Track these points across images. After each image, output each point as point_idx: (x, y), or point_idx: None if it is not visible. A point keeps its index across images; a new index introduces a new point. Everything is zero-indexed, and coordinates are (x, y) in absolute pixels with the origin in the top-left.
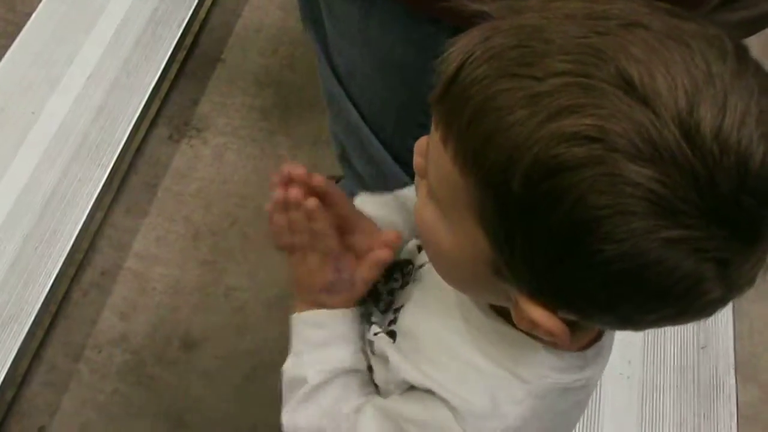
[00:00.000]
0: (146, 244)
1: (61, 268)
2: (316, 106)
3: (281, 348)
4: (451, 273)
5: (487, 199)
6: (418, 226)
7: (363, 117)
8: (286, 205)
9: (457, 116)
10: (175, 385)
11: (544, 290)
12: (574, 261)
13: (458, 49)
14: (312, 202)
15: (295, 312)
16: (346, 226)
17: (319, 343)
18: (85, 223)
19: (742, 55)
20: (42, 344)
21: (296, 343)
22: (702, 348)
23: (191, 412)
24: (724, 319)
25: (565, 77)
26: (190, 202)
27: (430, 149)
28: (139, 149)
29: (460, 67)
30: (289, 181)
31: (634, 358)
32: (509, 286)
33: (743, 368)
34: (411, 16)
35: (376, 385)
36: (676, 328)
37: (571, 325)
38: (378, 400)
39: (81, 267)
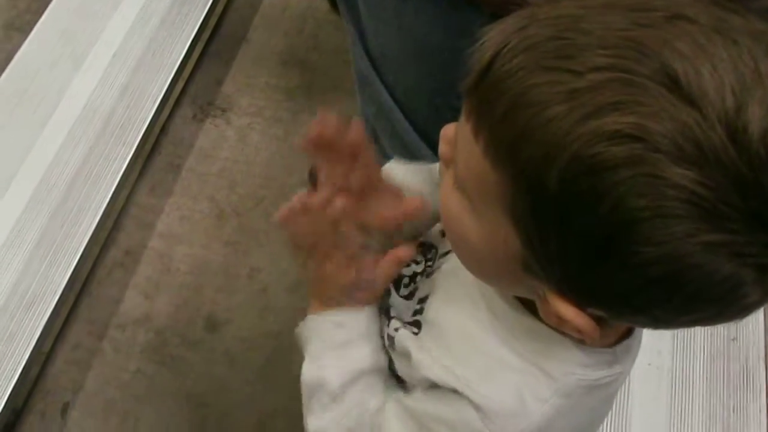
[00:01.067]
0: (170, 224)
1: (86, 247)
2: (341, 87)
3: None
4: (477, 265)
5: (519, 195)
6: (443, 215)
7: (395, 100)
8: (304, 212)
9: (490, 108)
10: (197, 365)
11: (576, 289)
12: (611, 263)
13: (493, 37)
14: (339, 204)
15: (310, 313)
16: (370, 188)
17: (340, 343)
18: (109, 202)
19: None
20: (66, 323)
21: (314, 344)
22: (732, 340)
23: (213, 393)
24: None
25: (605, 72)
26: (214, 182)
27: (459, 139)
28: (163, 129)
29: (495, 57)
30: (322, 139)
31: (664, 348)
32: (538, 282)
33: None
34: (447, 0)
35: (398, 378)
36: None
37: (600, 321)
38: (401, 398)
39: (105, 246)
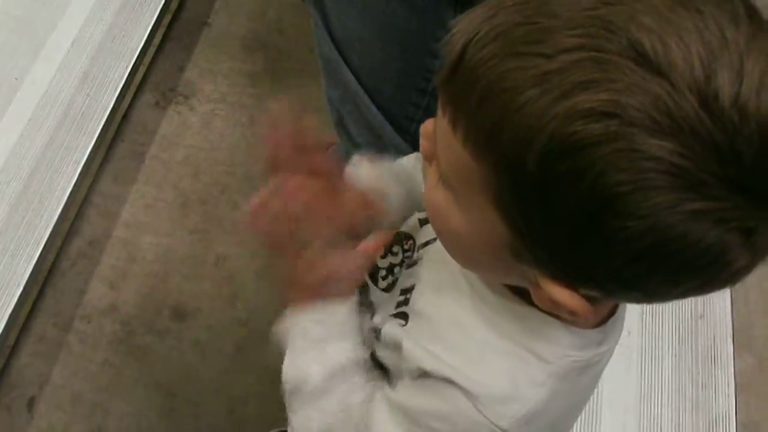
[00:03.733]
0: (134, 213)
1: (48, 238)
2: (306, 71)
3: (272, 317)
4: (467, 257)
5: (502, 182)
6: (428, 211)
7: (361, 83)
8: (277, 198)
9: (465, 99)
10: (166, 355)
11: (566, 270)
12: (597, 240)
13: (462, 28)
14: (300, 201)
15: (288, 312)
16: (330, 193)
17: (320, 339)
18: (72, 191)
19: (754, 16)
20: (30, 315)
21: (294, 342)
22: (699, 317)
23: (182, 382)
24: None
25: (575, 53)
26: (178, 170)
27: (438, 133)
28: (125, 116)
29: (466, 48)
30: (277, 138)
31: (633, 328)
32: (529, 268)
33: (739, 337)
34: None
35: (382, 367)
36: None
37: (592, 301)
38: (390, 394)
39: (69, 236)
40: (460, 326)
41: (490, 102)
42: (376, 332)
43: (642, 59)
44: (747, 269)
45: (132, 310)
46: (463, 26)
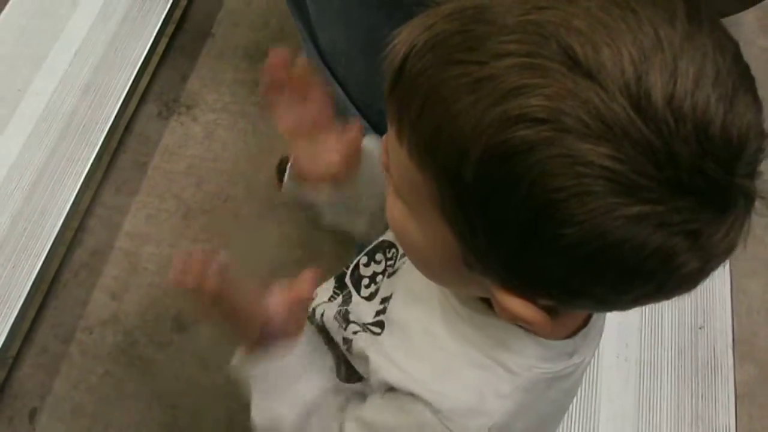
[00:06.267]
0: (137, 223)
1: (50, 249)
2: None
3: None
4: (428, 268)
5: (444, 192)
6: (390, 223)
7: (349, 96)
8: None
9: (407, 109)
10: (167, 366)
11: (516, 280)
12: (538, 248)
13: (402, 40)
14: (219, 262)
15: (242, 356)
16: (321, 127)
17: (285, 383)
18: (74, 202)
19: (695, 14)
20: (32, 326)
21: (257, 386)
22: (699, 328)
23: (183, 393)
24: (721, 298)
25: (507, 59)
26: (180, 180)
27: (389, 146)
28: (128, 127)
29: (405, 59)
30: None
31: (632, 340)
32: (482, 278)
33: (740, 346)
34: None
35: (358, 376)
36: (673, 309)
37: (554, 312)
38: (357, 411)
39: (71, 247)
40: (431, 336)
41: (428, 112)
42: (348, 344)
43: (572, 63)
44: (701, 273)
45: (134, 321)
46: (404, 37)
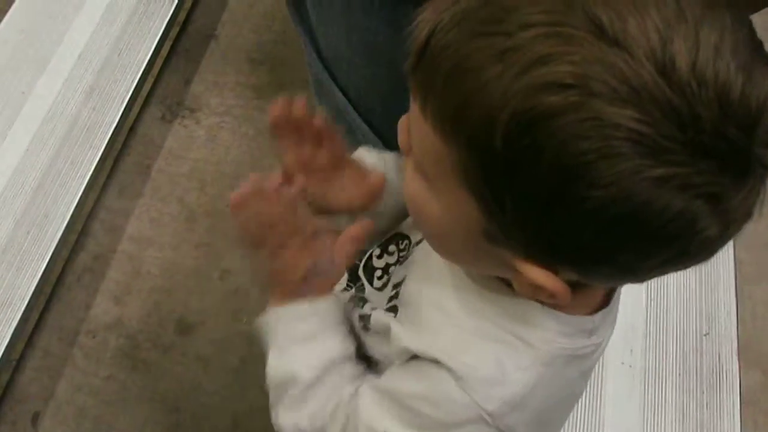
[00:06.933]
0: (140, 227)
1: (53, 252)
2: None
3: None
4: (446, 246)
5: (471, 162)
6: (407, 203)
7: (351, 102)
8: (258, 196)
9: (432, 83)
10: (170, 369)
11: (540, 249)
12: (564, 212)
13: (426, 17)
14: (297, 184)
15: (270, 306)
16: (336, 168)
17: (306, 336)
18: (77, 205)
19: None
20: (35, 330)
21: (279, 338)
22: (704, 335)
23: (187, 397)
24: (726, 304)
25: (534, 29)
26: (184, 184)
27: (411, 123)
28: (131, 130)
29: (431, 35)
30: (288, 119)
31: (636, 346)
32: (505, 251)
33: (746, 353)
34: None
35: (368, 360)
36: (678, 315)
37: (575, 287)
38: (374, 380)
39: (74, 250)
40: (447, 312)
41: (455, 83)
42: (365, 320)
43: (599, 32)
44: (720, 239)
45: (137, 325)
46: (428, 15)
